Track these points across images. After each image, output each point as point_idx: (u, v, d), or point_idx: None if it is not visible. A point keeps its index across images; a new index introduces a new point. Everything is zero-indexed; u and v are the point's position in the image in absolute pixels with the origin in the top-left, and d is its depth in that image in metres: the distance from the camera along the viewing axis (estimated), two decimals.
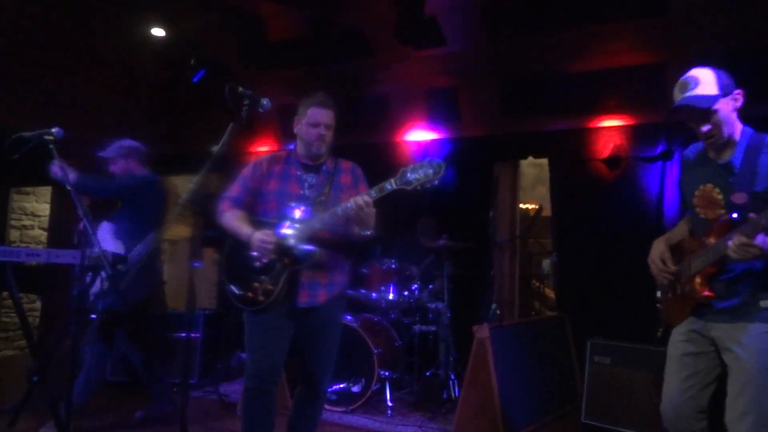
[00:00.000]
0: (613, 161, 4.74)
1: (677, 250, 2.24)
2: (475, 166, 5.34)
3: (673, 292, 2.21)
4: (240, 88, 2.32)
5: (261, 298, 2.45)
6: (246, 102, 2.32)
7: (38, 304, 6.58)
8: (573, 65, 4.74)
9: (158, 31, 4.96)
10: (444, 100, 5.30)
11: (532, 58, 4.81)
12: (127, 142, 3.77)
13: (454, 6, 4.40)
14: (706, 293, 2.04)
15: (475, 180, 5.33)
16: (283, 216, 2.51)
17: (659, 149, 4.54)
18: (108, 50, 5.22)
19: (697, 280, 2.07)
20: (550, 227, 5.21)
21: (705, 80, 2.01)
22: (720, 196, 2.05)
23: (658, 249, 2.26)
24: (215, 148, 2.26)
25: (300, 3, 4.36)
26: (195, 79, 5.21)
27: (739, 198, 1.97)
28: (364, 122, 5.55)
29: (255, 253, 2.46)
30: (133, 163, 3.76)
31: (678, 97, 2.04)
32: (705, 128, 2.01)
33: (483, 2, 4.28)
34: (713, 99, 1.98)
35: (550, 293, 6.39)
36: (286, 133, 5.98)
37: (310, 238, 2.45)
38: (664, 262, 2.22)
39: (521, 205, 6.12)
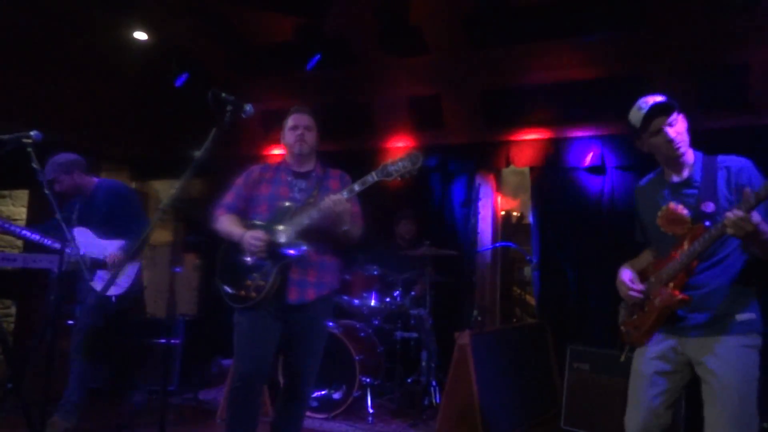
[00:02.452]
0: (593, 170, 4.82)
1: (640, 276, 2.28)
2: (457, 173, 5.39)
3: (641, 309, 2.22)
4: (223, 94, 2.33)
5: (253, 294, 2.53)
6: (229, 107, 2.34)
7: (13, 310, 6.45)
8: (554, 75, 4.81)
9: (141, 35, 4.93)
10: (427, 108, 5.34)
11: (513, 68, 4.88)
12: (63, 157, 3.55)
13: (437, 15, 4.45)
14: (682, 297, 2.04)
15: (458, 187, 5.38)
16: (273, 216, 2.60)
17: (638, 159, 4.62)
18: (90, 54, 5.17)
19: (671, 285, 2.09)
20: (531, 235, 5.27)
21: (657, 98, 2.14)
22: (685, 211, 2.11)
23: (627, 273, 2.29)
24: (198, 153, 2.26)
25: (285, 10, 4.37)
26: (178, 84, 5.19)
27: (708, 207, 2.05)
28: (348, 129, 5.56)
29: (246, 252, 2.55)
30: (78, 176, 3.59)
31: (639, 114, 2.14)
32: (673, 134, 2.10)
33: (465, 12, 4.33)
34: (673, 104, 2.12)
35: (531, 300, 6.45)
36: (270, 139, 5.97)
37: (299, 235, 2.54)
38: (633, 282, 2.24)
39: (503, 213, 6.17)
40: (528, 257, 5.04)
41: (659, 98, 2.14)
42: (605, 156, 4.77)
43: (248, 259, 2.56)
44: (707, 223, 2.02)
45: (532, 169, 5.15)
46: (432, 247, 4.39)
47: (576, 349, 3.80)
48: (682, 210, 2.12)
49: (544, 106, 4.90)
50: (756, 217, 1.83)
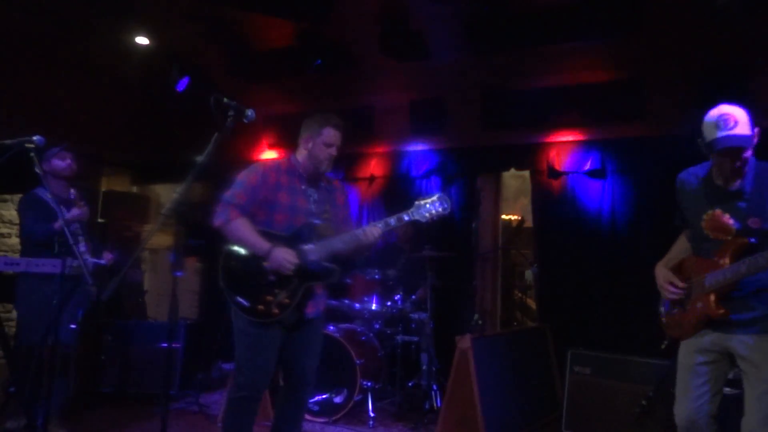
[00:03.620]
0: (593, 174, 4.82)
1: (679, 268, 2.36)
2: (458, 177, 5.39)
3: (682, 307, 2.31)
4: (225, 99, 2.34)
5: (276, 311, 2.48)
6: (231, 112, 2.34)
7: (15, 314, 6.46)
8: (554, 80, 4.82)
9: (142, 40, 4.95)
10: (427, 112, 5.35)
11: (514, 72, 4.89)
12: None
13: (438, 20, 4.47)
14: (722, 311, 2.15)
15: (459, 191, 5.37)
16: (297, 231, 2.56)
17: (638, 163, 4.63)
18: (92, 58, 5.20)
19: (712, 298, 2.17)
20: (532, 238, 5.27)
21: (741, 120, 2.11)
22: (731, 221, 2.15)
23: (664, 275, 2.38)
24: (200, 158, 2.27)
25: (287, 15, 4.38)
26: (179, 88, 5.20)
27: (755, 223, 2.10)
28: (349, 133, 5.54)
29: (272, 269, 2.48)
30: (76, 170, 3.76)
31: (716, 134, 2.11)
32: (738, 164, 2.12)
33: (466, 17, 4.35)
34: (749, 139, 2.11)
35: (532, 304, 6.45)
36: (271, 143, 5.99)
37: (330, 256, 2.53)
38: (672, 284, 2.33)
39: (504, 217, 6.17)
40: (528, 261, 5.03)
41: (741, 128, 2.08)
42: (606, 160, 4.78)
43: (270, 273, 2.49)
44: (752, 240, 2.07)
45: (532, 172, 5.15)
46: (433, 251, 4.40)
47: (577, 353, 3.80)
48: (729, 220, 2.16)
49: (545, 110, 4.91)
50: None
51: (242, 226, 2.54)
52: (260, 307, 2.47)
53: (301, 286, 2.50)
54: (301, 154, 2.70)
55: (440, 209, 2.56)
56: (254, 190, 2.59)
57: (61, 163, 3.55)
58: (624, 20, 4.03)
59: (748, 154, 2.12)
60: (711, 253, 2.21)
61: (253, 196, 2.59)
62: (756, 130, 2.14)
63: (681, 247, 2.46)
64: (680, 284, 2.30)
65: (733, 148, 2.08)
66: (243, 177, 2.63)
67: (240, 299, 2.52)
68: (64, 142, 3.58)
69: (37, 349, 3.24)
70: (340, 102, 5.51)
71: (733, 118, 2.10)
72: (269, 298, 2.48)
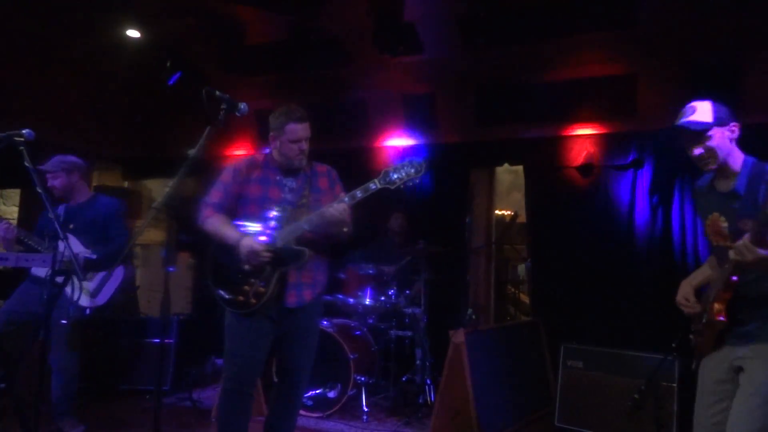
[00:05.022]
0: (586, 169, 4.84)
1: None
2: (451, 172, 5.39)
3: (701, 322, 2.24)
4: (217, 92, 2.33)
5: (253, 300, 2.49)
6: (223, 106, 2.34)
7: None
8: (547, 75, 4.83)
9: (133, 33, 4.90)
10: (421, 107, 5.35)
11: (507, 67, 4.89)
12: (70, 158, 3.67)
13: (431, 14, 4.46)
14: (720, 318, 2.07)
15: (452, 186, 5.38)
16: (266, 219, 2.55)
17: (630, 158, 4.65)
18: (82, 52, 5.15)
19: (715, 306, 2.10)
20: (525, 233, 5.28)
21: (701, 109, 2.08)
22: (725, 224, 2.10)
23: (682, 290, 2.31)
24: (191, 152, 2.25)
25: (279, 9, 4.36)
26: (171, 82, 5.17)
27: (745, 224, 1.98)
28: (342, 128, 5.55)
29: (244, 258, 2.48)
30: (75, 179, 3.67)
31: (677, 121, 2.12)
32: (697, 152, 2.08)
33: (459, 12, 4.33)
34: (705, 125, 2.05)
35: (525, 298, 6.47)
36: (264, 138, 5.95)
37: (298, 240, 2.50)
38: (688, 300, 2.26)
39: (497, 211, 6.19)
40: (522, 256, 5.05)
41: (699, 115, 2.06)
42: (598, 155, 4.79)
43: (244, 263, 2.49)
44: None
45: (525, 167, 5.16)
46: (426, 245, 4.40)
47: (570, 347, 3.82)
48: (723, 223, 2.11)
49: (538, 104, 4.91)
50: (764, 251, 1.80)
51: (215, 221, 2.60)
52: (240, 298, 2.50)
53: (275, 272, 2.49)
54: (273, 151, 2.68)
55: (411, 171, 2.42)
56: (226, 185, 2.65)
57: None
58: (617, 15, 4.04)
59: (712, 143, 2.05)
60: (721, 261, 2.13)
61: (226, 193, 2.65)
62: (734, 123, 2.08)
63: (707, 263, 2.37)
64: (696, 304, 2.22)
65: (681, 130, 2.08)
66: (219, 175, 2.69)
67: (221, 292, 2.56)
68: (57, 138, 3.55)
69: (28, 346, 3.22)
70: (332, 96, 5.49)
71: (693, 107, 2.10)
72: (246, 288, 2.50)
